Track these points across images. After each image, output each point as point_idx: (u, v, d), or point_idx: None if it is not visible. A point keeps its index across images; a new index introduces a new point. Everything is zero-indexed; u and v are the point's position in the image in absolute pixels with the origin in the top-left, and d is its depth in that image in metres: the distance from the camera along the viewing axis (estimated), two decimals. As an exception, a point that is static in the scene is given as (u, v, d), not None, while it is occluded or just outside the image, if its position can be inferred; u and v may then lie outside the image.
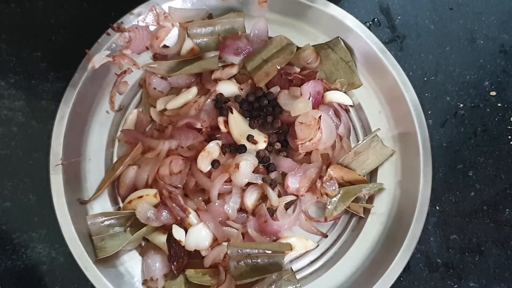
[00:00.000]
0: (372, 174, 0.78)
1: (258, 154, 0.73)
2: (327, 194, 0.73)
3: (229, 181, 0.72)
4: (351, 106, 0.80)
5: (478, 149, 0.78)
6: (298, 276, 0.72)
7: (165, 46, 0.80)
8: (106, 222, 0.72)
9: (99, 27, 0.77)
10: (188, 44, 0.80)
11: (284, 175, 0.74)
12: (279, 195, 0.74)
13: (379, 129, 0.78)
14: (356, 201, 0.74)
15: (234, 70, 0.78)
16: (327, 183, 0.73)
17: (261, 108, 0.76)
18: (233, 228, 0.72)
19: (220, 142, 0.73)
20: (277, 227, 0.71)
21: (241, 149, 0.72)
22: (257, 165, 0.72)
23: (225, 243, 0.70)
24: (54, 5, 0.83)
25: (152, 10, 0.79)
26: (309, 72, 0.79)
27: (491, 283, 0.73)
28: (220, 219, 0.72)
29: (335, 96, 0.79)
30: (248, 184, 0.72)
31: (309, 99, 0.76)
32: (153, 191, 0.71)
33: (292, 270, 0.69)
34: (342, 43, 0.79)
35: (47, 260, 0.73)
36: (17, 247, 0.73)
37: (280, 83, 0.79)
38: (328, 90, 0.79)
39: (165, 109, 0.77)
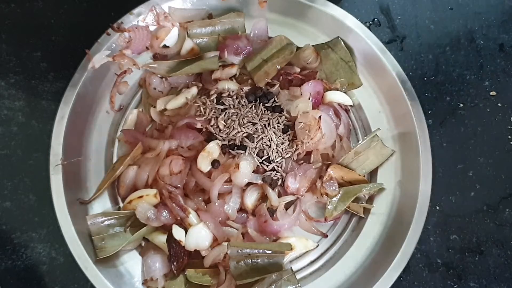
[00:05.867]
0: (372, 174, 0.78)
1: (258, 154, 0.73)
2: (327, 194, 0.73)
3: (229, 181, 0.72)
4: (351, 106, 0.80)
5: (478, 149, 0.78)
6: (298, 276, 0.72)
7: (165, 46, 0.80)
8: (106, 222, 0.72)
9: (99, 27, 0.77)
10: (188, 44, 0.80)
11: (284, 175, 0.74)
12: (279, 195, 0.74)
13: (379, 129, 0.78)
14: (356, 201, 0.74)
15: (234, 70, 0.78)
16: (327, 183, 0.73)
17: (261, 108, 0.76)
18: (233, 228, 0.72)
19: (220, 142, 0.73)
20: (277, 227, 0.71)
21: (241, 148, 0.72)
22: (257, 165, 0.72)
23: (225, 243, 0.70)
24: (54, 5, 0.83)
25: (152, 10, 0.79)
26: (309, 72, 0.79)
27: (491, 283, 0.73)
28: (220, 219, 0.72)
29: (335, 96, 0.79)
30: (248, 184, 0.72)
31: (309, 99, 0.76)
32: (153, 191, 0.71)
33: (292, 270, 0.69)
34: (342, 43, 0.79)
35: (47, 260, 0.73)
36: (17, 247, 0.73)
37: (280, 82, 0.79)
38: (328, 90, 0.79)
39: (165, 109, 0.77)
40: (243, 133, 0.73)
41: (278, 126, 0.75)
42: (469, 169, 0.78)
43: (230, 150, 0.73)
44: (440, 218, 0.75)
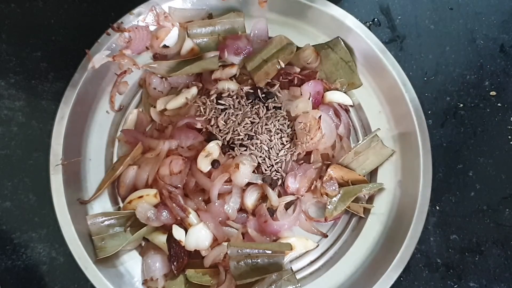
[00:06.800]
0: (372, 174, 0.78)
1: (258, 154, 0.73)
2: (327, 194, 0.73)
3: (229, 181, 0.72)
4: (351, 106, 0.80)
5: (478, 149, 0.78)
6: (298, 276, 0.72)
7: (165, 46, 0.80)
8: (106, 222, 0.72)
9: (99, 27, 0.77)
10: (188, 44, 0.80)
11: (284, 175, 0.74)
12: (279, 195, 0.74)
13: (379, 129, 0.78)
14: (356, 201, 0.74)
15: (234, 70, 0.78)
16: (327, 183, 0.73)
17: (261, 108, 0.76)
18: (233, 228, 0.72)
19: (220, 142, 0.73)
20: (277, 227, 0.71)
21: (242, 148, 0.72)
22: (257, 165, 0.72)
23: (225, 243, 0.70)
24: (54, 5, 0.83)
25: (152, 10, 0.79)
26: (309, 72, 0.79)
27: (491, 283, 0.73)
28: (220, 219, 0.72)
29: (335, 96, 0.79)
30: (248, 184, 0.72)
31: (309, 99, 0.76)
32: (153, 191, 0.71)
33: (292, 270, 0.69)
34: (342, 43, 0.79)
35: (47, 260, 0.73)
36: (17, 247, 0.73)
37: (280, 81, 0.79)
38: (328, 90, 0.79)
39: (165, 109, 0.77)
40: (243, 133, 0.73)
41: (278, 126, 0.75)
42: (469, 169, 0.78)
43: (230, 150, 0.73)
44: (440, 218, 0.75)
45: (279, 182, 0.73)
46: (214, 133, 0.74)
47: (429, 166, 0.72)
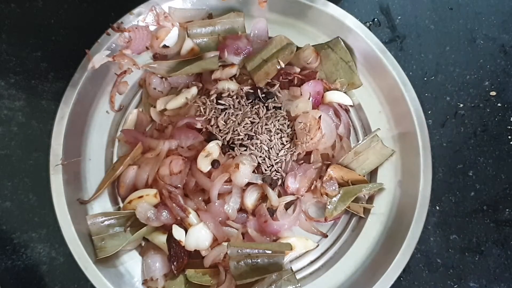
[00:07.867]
0: (372, 174, 0.78)
1: (258, 154, 0.73)
2: (327, 194, 0.73)
3: (229, 181, 0.72)
4: (351, 106, 0.80)
5: (478, 149, 0.78)
6: (298, 276, 0.72)
7: (165, 46, 0.80)
8: (106, 222, 0.72)
9: (99, 27, 0.77)
10: (188, 44, 0.80)
11: (284, 175, 0.74)
12: (279, 195, 0.74)
13: (379, 129, 0.78)
14: (356, 201, 0.74)
15: (234, 70, 0.78)
16: (327, 183, 0.73)
17: (261, 108, 0.76)
18: (233, 228, 0.72)
19: (220, 142, 0.73)
20: (277, 227, 0.71)
21: (241, 148, 0.72)
22: (257, 165, 0.72)
23: (225, 243, 0.70)
24: (54, 5, 0.83)
25: (152, 10, 0.79)
26: (309, 72, 0.79)
27: (491, 283, 0.73)
28: (220, 219, 0.72)
29: (335, 96, 0.79)
30: (248, 184, 0.72)
31: (309, 99, 0.76)
32: (153, 191, 0.71)
33: (292, 270, 0.69)
34: (342, 43, 0.79)
35: (47, 260, 0.73)
36: (17, 247, 0.73)
37: (280, 81, 0.79)
38: (328, 90, 0.79)
39: (165, 109, 0.77)
40: (243, 133, 0.73)
41: (278, 126, 0.75)
42: (469, 169, 0.78)
43: (230, 150, 0.73)
44: (440, 218, 0.75)
45: (279, 182, 0.73)
46: (214, 133, 0.74)
47: (429, 166, 0.72)
